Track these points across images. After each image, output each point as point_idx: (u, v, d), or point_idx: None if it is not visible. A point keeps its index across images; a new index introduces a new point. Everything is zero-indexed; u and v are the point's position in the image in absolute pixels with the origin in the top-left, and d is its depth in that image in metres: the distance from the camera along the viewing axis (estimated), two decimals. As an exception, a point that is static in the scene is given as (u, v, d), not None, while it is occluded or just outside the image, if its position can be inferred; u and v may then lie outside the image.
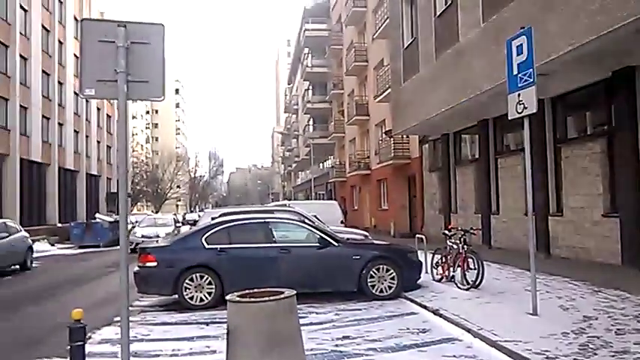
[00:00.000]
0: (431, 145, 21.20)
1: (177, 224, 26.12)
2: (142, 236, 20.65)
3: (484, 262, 9.19)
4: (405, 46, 19.04)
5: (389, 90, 22.55)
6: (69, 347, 4.20)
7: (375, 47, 28.76)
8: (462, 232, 9.57)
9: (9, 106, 28.33)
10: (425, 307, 7.97)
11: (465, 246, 9.27)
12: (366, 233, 14.52)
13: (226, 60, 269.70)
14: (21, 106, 29.56)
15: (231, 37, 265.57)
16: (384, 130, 27.49)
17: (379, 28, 25.55)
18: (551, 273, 9.99)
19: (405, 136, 23.68)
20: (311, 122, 48.84)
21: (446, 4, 15.29)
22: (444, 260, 10.10)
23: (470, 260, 9.21)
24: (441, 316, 7.34)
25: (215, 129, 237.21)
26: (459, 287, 9.10)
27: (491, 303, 7.90)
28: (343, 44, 37.56)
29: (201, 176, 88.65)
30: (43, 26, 33.27)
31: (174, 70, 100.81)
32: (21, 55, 29.74)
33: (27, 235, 17.00)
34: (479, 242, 14.45)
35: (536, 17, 9.74)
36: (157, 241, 12.01)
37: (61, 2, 36.91)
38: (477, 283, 8.94)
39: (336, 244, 9.15)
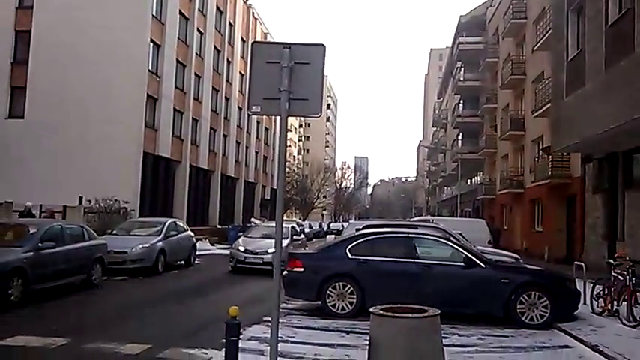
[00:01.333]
0: (595, 165, 19.34)
1: (297, 237, 19.27)
2: (246, 251, 16.07)
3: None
4: (569, 58, 17.68)
5: (549, 104, 21.10)
6: (224, 341, 4.59)
7: (534, 59, 27.13)
8: (631, 263, 8.59)
9: (183, 119, 31.93)
10: (582, 341, 7.29)
11: (634, 278, 8.30)
12: (517, 256, 13.67)
13: (375, 73, 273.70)
14: (193, 118, 33.15)
15: (381, 51, 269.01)
16: (541, 147, 25.71)
17: (540, 39, 24.09)
18: None
19: (564, 154, 21.90)
20: (460, 137, 47.45)
21: (619, 13, 13.94)
22: (606, 292, 9.15)
23: (639, 294, 8.22)
24: (600, 352, 6.67)
25: (361, 141, 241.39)
26: (623, 323, 8.17)
27: (663, 346, 6.96)
28: (499, 57, 36.05)
29: (346, 187, 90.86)
30: (215, 47, 36.98)
31: (326, 85, 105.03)
32: (195, 74, 33.39)
33: (192, 234, 18.92)
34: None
35: None
36: (305, 248, 12.53)
37: (232, 25, 40.67)
38: (647, 321, 7.95)
39: (483, 265, 8.80)
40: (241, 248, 16.27)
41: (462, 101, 46.27)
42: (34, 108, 25.81)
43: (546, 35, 22.89)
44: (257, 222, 30.16)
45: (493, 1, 41.83)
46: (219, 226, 34.73)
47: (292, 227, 19.51)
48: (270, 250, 14.93)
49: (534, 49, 25.60)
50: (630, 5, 13.15)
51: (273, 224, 16.25)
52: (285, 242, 15.88)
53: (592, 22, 15.67)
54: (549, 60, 21.51)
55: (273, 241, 14.03)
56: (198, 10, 33.50)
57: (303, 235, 21.40)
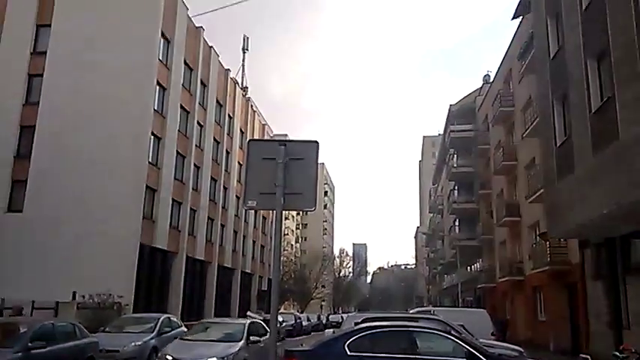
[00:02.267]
0: (593, 250, 19.20)
1: (257, 339, 12.88)
2: None
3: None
4: (558, 144, 18.16)
5: (542, 190, 21.35)
6: None
7: (525, 146, 27.83)
8: (638, 355, 8.33)
9: (181, 209, 32.11)
10: None
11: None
12: (520, 349, 13.19)
13: (371, 160, 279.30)
14: (191, 208, 33.33)
15: (376, 137, 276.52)
16: (538, 233, 25.67)
17: (529, 126, 24.87)
18: None
19: (562, 240, 21.82)
20: (457, 223, 47.50)
21: (601, 100, 14.54)
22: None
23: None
24: None
25: (359, 227, 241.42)
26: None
27: None
28: (490, 144, 36.99)
29: (345, 276, 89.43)
30: (214, 138, 38.04)
31: (323, 173, 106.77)
32: (195, 164, 34.06)
33: (186, 330, 18.34)
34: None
35: None
36: (302, 345, 12.12)
37: (231, 117, 42.13)
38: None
39: None
40: (169, 358, 11.84)
41: (456, 187, 46.83)
42: (34, 202, 25.98)
43: (534, 123, 23.61)
44: (253, 315, 29.33)
45: (481, 90, 43.67)
46: (214, 319, 33.71)
47: (250, 324, 13.63)
48: (213, 357, 11.56)
49: (524, 135, 26.31)
50: (611, 93, 13.75)
51: (225, 320, 15.48)
52: (232, 348, 12.12)
53: (577, 109, 16.26)
54: (539, 146, 22.01)
55: (219, 345, 12.32)
56: (199, 104, 34.82)
57: (266, 337, 12.76)
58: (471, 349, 8.65)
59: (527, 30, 25.12)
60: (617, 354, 9.07)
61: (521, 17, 27.32)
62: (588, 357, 10.04)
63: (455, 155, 46.46)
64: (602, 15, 14.09)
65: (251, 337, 9.02)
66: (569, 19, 16.91)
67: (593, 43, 14.96)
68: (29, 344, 9.83)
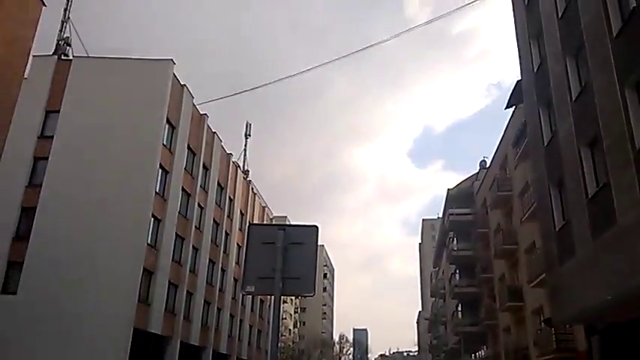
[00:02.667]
0: (600, 337, 18.65)
1: None
2: None
3: None
4: (557, 229, 18.19)
5: (543, 274, 21.09)
6: None
7: (524, 229, 27.82)
8: None
9: (178, 292, 31.50)
10: None
11: None
12: None
13: (370, 239, 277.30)
14: (188, 291, 32.72)
15: (375, 217, 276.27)
16: (542, 319, 25.04)
17: (527, 211, 25.03)
18: None
19: (567, 326, 21.26)
20: (459, 307, 46.44)
21: (597, 186, 14.76)
22: None
23: None
24: None
25: (359, 312, 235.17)
26: None
27: None
28: (489, 227, 37.01)
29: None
30: (214, 220, 38.08)
31: (322, 255, 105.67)
32: (193, 246, 33.86)
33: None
34: None
35: None
36: None
37: (231, 199, 42.47)
38: None
39: None
40: None
41: (457, 271, 46.25)
42: (29, 284, 25.51)
43: (532, 207, 23.79)
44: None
45: (478, 175, 44.34)
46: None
47: None
48: None
49: (522, 220, 26.40)
50: (606, 179, 13.99)
51: None
52: None
53: (573, 195, 16.44)
54: (539, 230, 22.01)
55: None
56: (201, 186, 35.24)
57: None
58: None
59: (521, 119, 25.93)
60: None
61: (514, 107, 28.28)
62: None
63: (454, 238, 46.32)
64: (591, 104, 14.64)
65: None
66: (560, 109, 17.51)
67: (585, 131, 15.39)
68: None
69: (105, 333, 24.07)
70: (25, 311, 24.52)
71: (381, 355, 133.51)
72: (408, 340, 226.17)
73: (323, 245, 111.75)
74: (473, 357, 45.59)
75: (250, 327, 46.58)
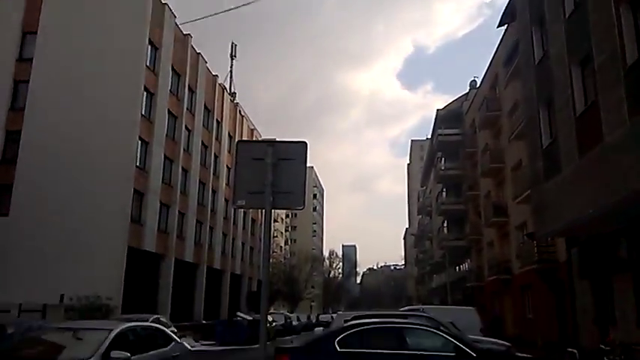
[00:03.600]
0: (580, 248, 19.49)
1: (117, 355, 6.90)
2: None
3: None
4: (544, 147, 18.44)
5: (529, 191, 21.63)
6: None
7: (511, 148, 28.16)
8: (622, 348, 8.51)
9: (170, 213, 32.02)
10: None
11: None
12: (509, 344, 13.38)
13: (360, 163, 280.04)
14: (179, 212, 33.25)
15: (364, 139, 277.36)
16: (525, 233, 25.99)
17: (515, 130, 25.19)
18: None
19: (549, 239, 22.12)
20: (445, 224, 47.88)
21: (585, 104, 14.81)
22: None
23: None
24: None
25: (349, 229, 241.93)
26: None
27: None
28: (477, 147, 37.37)
29: (335, 277, 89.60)
30: (202, 143, 37.99)
31: (312, 176, 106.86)
32: (183, 168, 33.98)
33: (175, 330, 18.34)
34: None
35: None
36: (291, 341, 12.22)
37: (219, 122, 42.13)
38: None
39: (474, 354, 8.62)
40: None
41: (444, 189, 47.20)
42: (19, 206, 25.78)
43: (520, 126, 23.93)
44: (244, 316, 29.35)
45: (468, 95, 44.11)
46: (204, 322, 33.69)
47: (120, 333, 7.52)
48: None
49: (510, 139, 26.62)
50: (594, 97, 14.03)
51: (82, 325, 8.74)
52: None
53: (562, 113, 16.53)
54: (526, 148, 22.31)
55: None
56: (187, 109, 34.78)
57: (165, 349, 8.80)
58: (460, 345, 8.79)
59: (513, 37, 25.47)
60: (603, 347, 9.26)
61: (506, 25, 27.67)
62: (575, 351, 10.23)
63: (443, 158, 46.85)
64: (584, 22, 14.38)
65: (113, 354, 6.63)
66: (553, 27, 17.20)
67: (577, 49, 15.24)
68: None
69: (99, 252, 24.65)
70: (17, 232, 24.91)
71: (369, 269, 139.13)
72: (395, 255, 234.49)
73: (312, 167, 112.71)
74: (457, 269, 47.66)
75: (243, 244, 47.91)
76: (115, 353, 6.86)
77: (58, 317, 19.31)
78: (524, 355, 10.01)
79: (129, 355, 6.95)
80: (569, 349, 10.64)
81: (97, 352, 6.76)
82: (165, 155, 31.22)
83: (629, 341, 9.16)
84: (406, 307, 22.19)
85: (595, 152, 13.91)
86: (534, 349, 19.99)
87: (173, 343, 8.95)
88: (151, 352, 8.00)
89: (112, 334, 7.22)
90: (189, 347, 9.76)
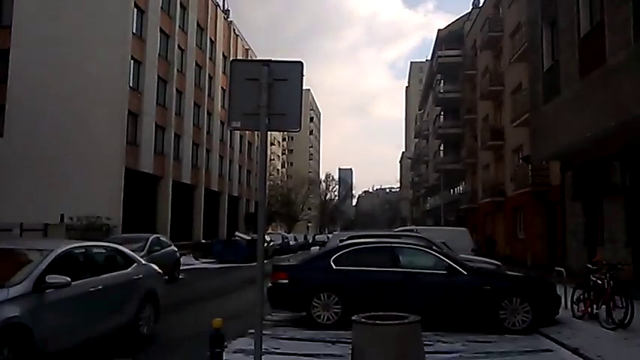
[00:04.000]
0: (575, 172, 19.69)
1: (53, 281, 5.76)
2: None
3: (634, 301, 8.33)
4: (545, 69, 18.12)
5: (527, 114, 21.51)
6: (209, 353, 4.60)
7: (512, 71, 27.68)
8: (609, 267, 8.80)
9: (165, 135, 31.88)
10: (562, 345, 7.43)
11: (612, 282, 8.50)
12: (499, 263, 13.85)
13: (358, 86, 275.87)
14: (175, 134, 33.10)
15: (362, 61, 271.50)
16: (521, 156, 26.15)
17: (517, 51, 24.63)
18: None
19: (544, 162, 22.30)
20: (442, 147, 48.02)
21: (591, 25, 14.37)
22: (586, 296, 9.32)
23: (617, 298, 8.42)
24: (580, 355, 6.81)
25: (345, 152, 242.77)
26: (603, 326, 8.35)
27: (641, 347, 7.14)
28: (477, 69, 36.71)
29: (331, 199, 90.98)
30: (196, 63, 37.08)
31: (309, 99, 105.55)
32: (177, 89, 33.41)
33: (176, 249, 18.81)
34: (629, 279, 13.03)
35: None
36: (289, 260, 12.60)
37: (213, 41, 40.88)
38: (625, 322, 8.13)
39: (465, 272, 8.93)
40: None
41: (442, 112, 46.88)
42: (13, 126, 25.56)
43: (522, 47, 23.38)
44: (242, 236, 30.08)
45: (470, 15, 42.65)
46: (203, 241, 34.54)
47: (62, 255, 6.46)
48: None
49: (511, 61, 26.11)
50: (600, 18, 13.59)
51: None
52: None
53: (565, 34, 16.09)
54: (526, 71, 21.94)
55: None
56: (179, 27, 33.64)
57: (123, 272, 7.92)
58: (451, 263, 9.08)
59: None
60: (590, 266, 9.56)
61: None
62: (562, 270, 10.58)
63: (442, 81, 46.15)
64: None
65: (50, 279, 5.69)
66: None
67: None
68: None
69: (97, 173, 24.79)
70: (14, 153, 24.86)
71: (364, 192, 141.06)
72: (391, 178, 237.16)
73: (309, 89, 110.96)
74: (451, 192, 48.40)
75: (240, 167, 48.17)
76: (51, 277, 5.75)
77: (59, 236, 19.73)
78: (514, 272, 10.37)
79: (69, 279, 5.88)
80: (557, 268, 11.01)
81: (30, 277, 5.62)
82: (158, 76, 30.61)
83: (616, 261, 9.43)
84: (400, 228, 22.72)
85: (596, 74, 13.68)
86: (524, 268, 20.70)
87: (135, 264, 8.06)
88: (105, 275, 7.00)
89: (51, 256, 6.11)
90: (156, 269, 8.84)
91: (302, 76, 4.94)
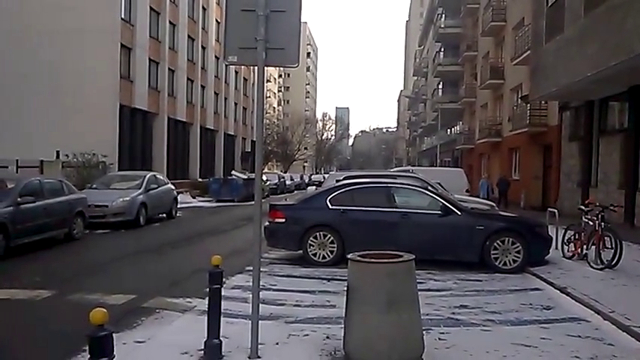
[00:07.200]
0: (572, 113, 19.58)
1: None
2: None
3: (623, 242, 8.48)
4: (549, 4, 17.59)
5: (528, 52, 21.08)
6: (208, 289, 4.68)
7: (515, 5, 26.88)
8: (601, 209, 8.89)
9: (159, 69, 31.18)
10: (551, 284, 7.63)
11: (603, 223, 8.61)
12: (493, 204, 14.01)
13: (356, 20, 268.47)
14: (169, 69, 32.39)
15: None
16: (520, 96, 25.88)
17: (521, -16, 23.79)
18: None
19: (542, 102, 22.10)
20: (440, 86, 47.38)
21: (599, -43, 13.76)
22: (577, 237, 9.48)
23: (607, 239, 8.56)
24: (568, 294, 6.99)
25: (342, 91, 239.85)
26: (591, 266, 8.54)
27: (627, 286, 7.35)
28: (480, 3, 35.55)
29: (327, 139, 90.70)
30: (189, -7, 35.70)
31: (306, 33, 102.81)
32: (170, 22, 32.37)
33: (173, 187, 18.88)
34: (620, 221, 13.26)
35: None
36: (285, 199, 12.68)
37: (206, -31, 39.17)
38: (613, 263, 8.31)
39: (459, 212, 9.02)
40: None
41: (442, 49, 45.88)
42: (3, 58, 24.91)
43: (527, -19, 22.56)
44: (238, 174, 30.14)
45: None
46: (200, 179, 34.66)
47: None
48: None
49: (515, -5, 25.28)
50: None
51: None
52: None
53: (572, -33, 15.46)
54: (530, 6, 21.32)
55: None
56: (171, -46, 32.16)
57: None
58: (446, 203, 9.16)
59: None
60: (582, 207, 9.65)
61: None
62: (555, 211, 10.69)
63: (443, 15, 44.82)
64: None
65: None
66: None
67: None
68: (19, 199, 10.16)
69: (91, 109, 24.43)
70: (5, 88, 24.39)
71: (361, 132, 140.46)
72: (388, 118, 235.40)
73: (306, 22, 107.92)
74: (448, 132, 48.22)
75: (235, 105, 47.56)
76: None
77: (55, 173, 19.67)
78: (507, 213, 10.50)
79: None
80: (550, 209, 11.13)
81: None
82: (150, 7, 29.54)
83: (608, 203, 9.52)
84: (396, 168, 22.78)
85: (600, 11, 13.29)
86: (518, 209, 20.98)
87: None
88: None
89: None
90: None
91: (300, 7, 4.73)
